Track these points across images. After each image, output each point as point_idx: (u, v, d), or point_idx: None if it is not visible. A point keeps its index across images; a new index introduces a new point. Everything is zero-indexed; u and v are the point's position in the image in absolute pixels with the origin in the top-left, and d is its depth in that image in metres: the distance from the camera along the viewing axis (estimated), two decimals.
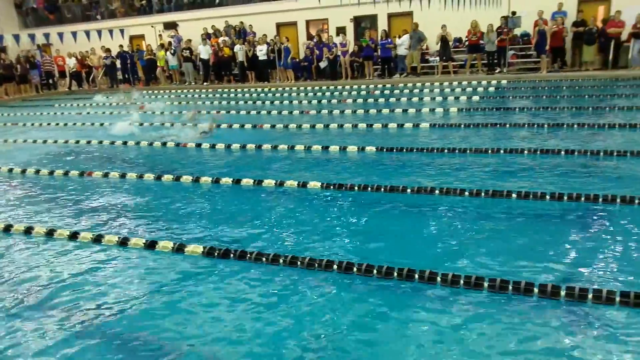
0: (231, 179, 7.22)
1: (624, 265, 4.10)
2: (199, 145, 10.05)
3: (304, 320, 3.60)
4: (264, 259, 4.55)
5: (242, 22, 23.82)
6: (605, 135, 8.68)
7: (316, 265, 4.35)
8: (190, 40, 23.00)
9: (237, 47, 21.96)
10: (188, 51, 22.74)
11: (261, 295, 4.01)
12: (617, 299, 3.48)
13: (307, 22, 23.75)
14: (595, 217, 5.16)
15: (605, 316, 3.41)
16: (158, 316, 3.78)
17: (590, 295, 3.54)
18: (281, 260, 4.49)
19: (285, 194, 6.62)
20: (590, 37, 17.46)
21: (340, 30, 22.14)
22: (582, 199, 5.47)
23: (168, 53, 23.33)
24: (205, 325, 3.62)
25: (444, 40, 18.72)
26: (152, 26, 25.62)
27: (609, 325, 3.32)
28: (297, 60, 22.27)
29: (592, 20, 17.58)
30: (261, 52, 21.51)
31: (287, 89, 19.93)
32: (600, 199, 5.41)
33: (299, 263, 4.42)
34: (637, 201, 5.28)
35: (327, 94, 17.70)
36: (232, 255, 4.68)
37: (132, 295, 4.13)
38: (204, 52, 22.27)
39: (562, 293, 3.60)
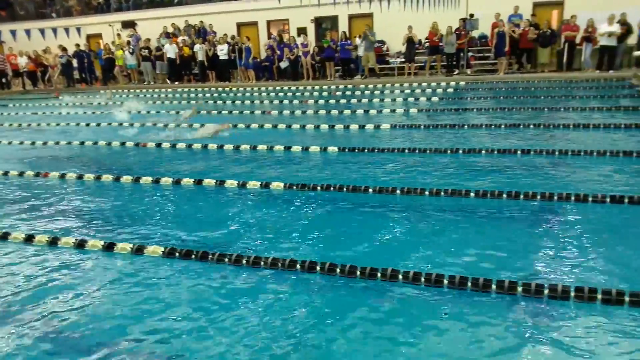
0: (192, 180, 7.15)
1: (579, 262, 4.24)
2: (159, 145, 9.92)
3: (267, 321, 3.59)
4: (226, 259, 4.53)
5: (202, 22, 23.63)
6: (560, 135, 8.95)
7: (279, 265, 4.36)
8: (149, 40, 22.66)
9: (197, 47, 21.77)
10: (147, 50, 22.39)
11: (223, 296, 3.98)
12: (572, 294, 3.60)
13: (268, 22, 23.74)
14: (549, 215, 5.31)
15: (561, 311, 3.53)
16: (116, 319, 3.72)
17: (546, 291, 3.65)
18: (244, 261, 4.47)
19: (248, 195, 6.60)
20: (545, 40, 17.99)
21: (302, 31, 22.20)
22: (538, 197, 5.63)
23: (126, 52, 22.93)
24: (164, 327, 3.58)
25: (410, 41, 18.96)
26: (110, 25, 25.14)
27: (566, 320, 3.44)
28: (258, 60, 22.21)
29: (547, 24, 18.12)
30: (222, 51, 21.38)
31: (248, 89, 19.85)
32: (555, 198, 5.58)
33: (262, 263, 4.41)
34: (590, 199, 5.46)
35: (289, 94, 17.73)
36: (193, 256, 4.64)
37: (89, 298, 4.04)
38: (171, 51, 21.94)
39: (519, 289, 3.71)
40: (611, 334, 3.24)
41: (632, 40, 17.17)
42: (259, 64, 22.05)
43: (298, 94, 17.73)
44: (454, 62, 19.32)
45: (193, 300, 3.95)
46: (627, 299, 3.48)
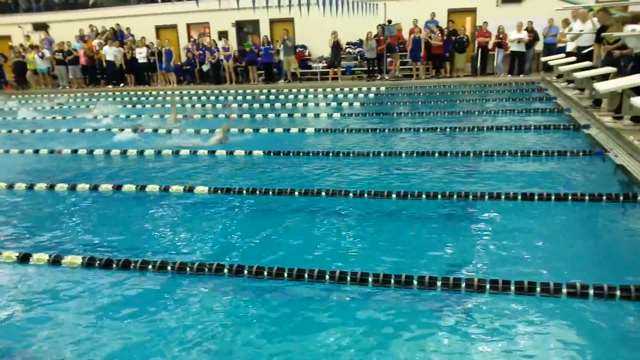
0: (111, 186, 6.94)
1: (498, 257, 4.48)
2: (74, 151, 9.52)
3: (193, 326, 3.56)
4: (150, 266, 4.44)
5: (118, 25, 22.91)
6: (476, 137, 9.38)
7: (206, 269, 4.32)
8: (63, 43, 21.68)
9: (114, 50, 21.06)
10: (61, 54, 21.41)
11: (148, 304, 3.91)
12: (487, 286, 3.80)
13: (188, 26, 23.37)
14: (466, 214, 5.58)
15: (479, 302, 3.72)
16: (31, 332, 3.57)
17: (463, 285, 3.84)
18: (169, 267, 4.40)
19: (171, 200, 6.48)
20: (461, 46, 18.78)
21: (223, 35, 22.00)
22: (455, 197, 5.88)
23: (36, 55, 21.82)
24: (84, 338, 3.47)
25: (335, 46, 19.22)
26: (19, 26, 23.87)
27: (483, 312, 3.62)
28: (180, 64, 21.81)
29: (462, 30, 18.94)
30: (140, 55, 20.82)
31: (169, 92, 19.45)
32: (471, 197, 5.85)
33: (187, 269, 4.36)
34: (503, 197, 5.76)
35: (212, 98, 17.54)
36: (114, 265, 4.52)
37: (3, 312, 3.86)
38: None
39: (439, 284, 3.87)
40: (525, 323, 3.46)
41: (538, 46, 18.26)
42: (180, 67, 21.66)
43: (221, 97, 17.57)
44: (375, 67, 19.77)
45: (111, 309, 3.85)
46: (537, 288, 3.71)
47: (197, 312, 3.75)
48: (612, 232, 5.17)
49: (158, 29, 23.49)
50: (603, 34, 9.99)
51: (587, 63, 11.49)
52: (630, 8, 13.18)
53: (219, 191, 6.56)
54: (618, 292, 3.60)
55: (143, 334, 3.51)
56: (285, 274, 4.14)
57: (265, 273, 4.18)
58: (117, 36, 22.40)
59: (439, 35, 18.58)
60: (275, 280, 4.14)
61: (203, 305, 3.85)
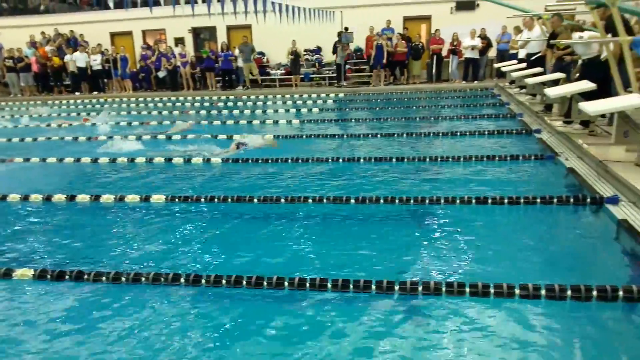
0: (65, 196, 6.77)
1: (453, 260, 4.56)
2: (27, 159, 9.26)
3: (150, 337, 3.51)
4: (103, 278, 4.35)
5: (72, 31, 22.40)
6: (432, 142, 9.54)
7: (162, 279, 4.26)
8: (13, 49, 21.02)
9: (67, 57, 20.58)
10: (11, 60, 20.76)
11: (104, 317, 3.83)
12: (444, 289, 3.87)
13: (144, 32, 23.04)
14: (423, 218, 5.66)
15: (435, 306, 3.78)
16: None
17: (420, 288, 3.89)
18: (123, 278, 4.32)
19: (127, 209, 6.36)
20: (417, 53, 19.08)
21: (179, 41, 21.77)
22: (412, 201, 5.96)
23: None
24: (35, 350, 3.38)
25: (294, 54, 19.24)
26: None
27: (439, 314, 3.69)
28: (135, 70, 21.47)
29: (418, 37, 19.26)
30: (95, 61, 20.40)
31: (125, 99, 19.13)
32: (427, 201, 5.94)
33: (143, 279, 4.29)
34: (458, 201, 5.87)
35: (169, 104, 17.33)
36: (67, 276, 4.40)
37: None
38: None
39: (396, 288, 3.92)
40: (478, 324, 3.53)
41: (492, 53, 18.72)
42: (136, 74, 21.32)
43: (178, 104, 17.38)
44: (334, 74, 19.90)
45: (63, 321, 3.76)
46: (491, 290, 3.80)
47: (152, 323, 3.69)
48: (563, 234, 5.33)
49: (113, 35, 23.08)
50: (552, 41, 10.31)
51: (537, 69, 11.84)
52: (577, 16, 13.67)
53: (176, 199, 6.48)
54: (569, 293, 3.71)
55: (93, 345, 3.43)
56: (244, 282, 4.12)
57: (224, 281, 4.15)
58: (71, 43, 21.90)
59: (403, 42, 18.83)
60: (234, 288, 4.11)
61: (158, 315, 3.80)
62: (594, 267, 4.54)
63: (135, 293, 4.15)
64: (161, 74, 20.50)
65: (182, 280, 4.22)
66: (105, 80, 21.17)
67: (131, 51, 22.33)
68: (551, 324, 3.53)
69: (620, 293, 3.66)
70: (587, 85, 7.93)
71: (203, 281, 4.19)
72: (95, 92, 20.60)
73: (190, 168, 8.41)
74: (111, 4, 12.56)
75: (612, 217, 5.21)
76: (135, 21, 22.09)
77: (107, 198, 6.63)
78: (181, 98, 18.65)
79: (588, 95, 7.84)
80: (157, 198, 6.51)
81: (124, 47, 21.10)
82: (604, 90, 7.92)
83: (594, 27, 8.55)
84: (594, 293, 3.68)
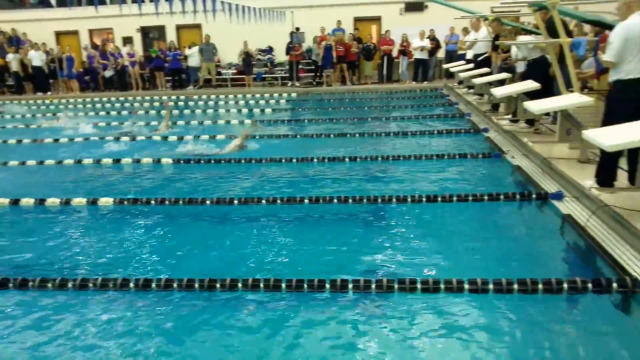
0: (8, 200, 6.50)
1: (406, 257, 4.62)
2: None
3: (100, 346, 3.43)
4: (49, 284, 4.21)
5: (14, 29, 21.60)
6: (383, 142, 9.65)
7: (111, 285, 4.15)
8: None
9: (10, 56, 19.82)
10: None
11: (49, 326, 3.70)
12: (395, 286, 3.92)
13: (90, 32, 22.42)
14: (376, 217, 5.72)
15: (390, 302, 3.83)
16: None
17: (373, 286, 3.93)
18: (70, 285, 4.19)
19: (74, 213, 6.18)
20: (368, 53, 19.26)
21: (127, 41, 21.29)
22: (365, 200, 6.01)
23: None
24: None
25: (246, 54, 19.11)
26: None
27: (395, 311, 3.74)
28: (82, 70, 20.88)
29: (369, 38, 19.44)
30: (40, 61, 19.72)
31: (71, 100, 18.58)
32: (380, 200, 6.00)
33: (90, 285, 4.17)
34: (409, 200, 5.95)
35: (117, 105, 16.93)
36: (11, 284, 4.23)
37: None
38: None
39: (350, 286, 3.95)
40: (430, 319, 3.60)
41: (441, 54, 19.08)
42: (82, 74, 20.73)
43: (127, 104, 17.01)
44: (287, 74, 19.89)
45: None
46: (442, 286, 3.88)
47: (101, 329, 3.60)
48: (510, 230, 5.49)
49: (58, 34, 22.37)
50: (497, 42, 10.60)
51: (484, 69, 12.14)
52: (522, 18, 14.08)
53: (125, 202, 6.33)
54: (516, 286, 3.82)
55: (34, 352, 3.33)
56: (197, 285, 4.07)
57: (175, 285, 4.09)
58: (13, 42, 21.10)
59: (355, 42, 18.96)
60: (185, 291, 4.05)
61: (113, 325, 3.70)
62: (540, 261, 4.69)
63: (83, 299, 4.04)
64: (107, 73, 20.03)
65: (132, 285, 4.13)
66: (51, 80, 20.47)
67: (77, 51, 21.68)
68: (499, 317, 3.63)
69: (565, 285, 3.79)
70: (531, 84, 8.18)
71: (153, 285, 4.11)
72: (40, 93, 19.91)
73: (140, 170, 8.23)
74: (54, 2, 12.16)
75: (556, 212, 5.39)
76: (81, 20, 21.44)
77: (52, 202, 6.41)
78: (130, 98, 18.24)
79: (533, 95, 8.10)
80: (105, 201, 6.35)
81: (70, 47, 20.46)
82: (547, 89, 8.21)
83: (536, 28, 8.83)
84: (540, 286, 3.80)
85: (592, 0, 8.24)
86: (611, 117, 5.24)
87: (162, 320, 3.74)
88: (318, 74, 19.79)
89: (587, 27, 10.43)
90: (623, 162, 5.37)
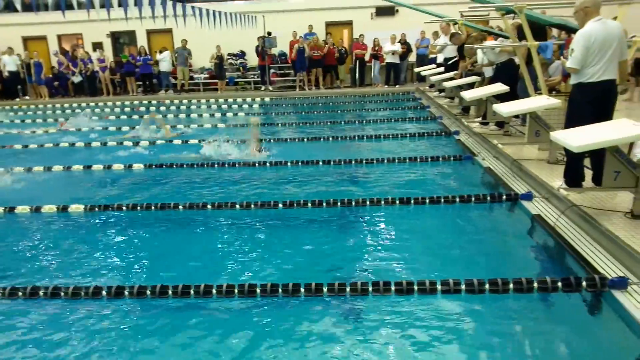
0: None
1: (379, 260, 4.67)
2: None
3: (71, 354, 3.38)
4: (20, 293, 4.13)
5: None
6: (357, 145, 9.70)
7: (82, 294, 4.09)
8: None
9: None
10: None
11: (18, 335, 3.64)
12: (370, 289, 3.95)
13: (59, 37, 22.04)
14: (350, 220, 5.76)
15: (364, 305, 3.85)
16: None
17: (348, 289, 3.95)
18: (41, 293, 4.12)
19: (44, 220, 6.07)
20: (341, 57, 19.34)
21: (97, 46, 21.02)
22: (339, 204, 6.04)
23: None
24: None
25: (219, 58, 19.02)
26: None
27: (369, 314, 3.76)
28: (51, 76, 20.51)
29: (341, 42, 19.53)
30: (15, 66, 19.35)
31: (40, 106, 18.26)
32: (353, 203, 6.03)
33: (62, 294, 4.10)
34: (383, 203, 6.00)
35: (87, 110, 16.67)
36: None
37: None
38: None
39: (325, 290, 3.96)
40: (406, 320, 3.63)
41: (413, 57, 19.27)
42: (52, 80, 20.38)
43: (97, 110, 16.76)
44: (259, 79, 19.84)
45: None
46: (415, 287, 3.91)
47: (74, 338, 3.55)
48: (482, 230, 5.56)
49: (26, 40, 21.94)
50: (465, 45, 10.77)
51: (454, 73, 12.30)
52: (492, 22, 14.31)
53: (96, 208, 6.25)
54: (487, 286, 3.88)
55: None
56: (170, 292, 4.03)
57: (149, 292, 4.05)
58: None
59: (331, 47, 19.00)
60: (159, 298, 4.02)
61: (89, 333, 3.66)
62: (511, 261, 4.77)
63: (54, 307, 3.97)
64: (76, 79, 19.74)
65: (104, 293, 4.08)
66: (19, 86, 20.06)
67: (46, 56, 21.28)
68: (471, 317, 3.68)
69: (535, 284, 3.86)
70: (500, 87, 8.33)
71: (126, 293, 4.07)
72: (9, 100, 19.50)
73: (111, 176, 8.12)
74: (19, 6, 11.90)
75: (526, 213, 5.49)
76: (49, 25, 21.03)
77: (22, 209, 6.29)
78: (100, 104, 17.99)
79: (502, 97, 8.24)
80: (76, 207, 6.25)
81: (37, 52, 20.10)
82: (514, 92, 8.38)
83: (500, 30, 9.01)
84: (511, 286, 3.87)
85: (558, 5, 8.41)
86: (573, 119, 5.33)
87: (136, 327, 3.70)
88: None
89: (555, 31, 10.67)
90: (587, 163, 5.49)
